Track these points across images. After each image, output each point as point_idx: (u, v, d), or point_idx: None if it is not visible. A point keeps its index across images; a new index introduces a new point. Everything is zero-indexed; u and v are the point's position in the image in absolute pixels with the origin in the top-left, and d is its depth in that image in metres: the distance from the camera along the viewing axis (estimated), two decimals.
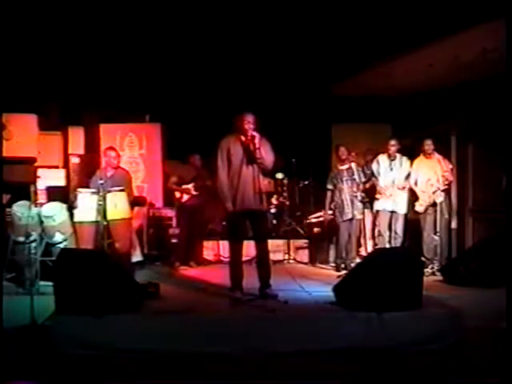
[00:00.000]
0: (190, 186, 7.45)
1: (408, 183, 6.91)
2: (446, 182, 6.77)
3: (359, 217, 6.89)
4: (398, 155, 6.99)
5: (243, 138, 5.12)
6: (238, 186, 5.12)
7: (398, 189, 6.89)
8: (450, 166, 6.92)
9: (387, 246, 6.85)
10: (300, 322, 4.47)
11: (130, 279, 4.95)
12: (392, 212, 6.98)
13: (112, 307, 4.38)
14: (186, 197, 7.49)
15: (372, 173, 7.03)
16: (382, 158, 7.05)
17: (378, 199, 7.01)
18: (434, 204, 6.73)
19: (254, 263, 5.57)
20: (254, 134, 5.02)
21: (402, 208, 6.97)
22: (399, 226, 6.95)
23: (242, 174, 5.11)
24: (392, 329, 4.35)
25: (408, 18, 6.06)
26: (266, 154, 5.10)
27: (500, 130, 6.03)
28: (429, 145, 6.81)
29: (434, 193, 6.72)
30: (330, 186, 7.13)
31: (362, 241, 7.20)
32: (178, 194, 7.55)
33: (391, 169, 6.97)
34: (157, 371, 4.02)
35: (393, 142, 6.97)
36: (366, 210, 7.13)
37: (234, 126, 5.21)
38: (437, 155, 6.85)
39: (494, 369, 3.85)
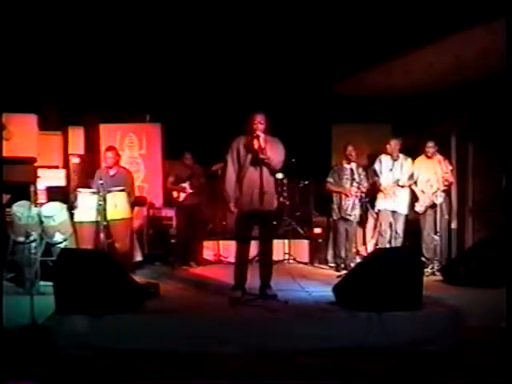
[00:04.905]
0: (186, 184, 7.47)
1: (410, 182, 6.92)
2: (446, 183, 6.77)
3: (358, 216, 6.91)
4: (400, 155, 7.01)
5: (249, 138, 5.05)
6: (245, 186, 5.08)
7: (399, 186, 6.90)
8: (450, 168, 6.92)
9: (387, 245, 6.86)
10: (300, 322, 4.47)
11: (130, 279, 4.95)
12: (393, 212, 6.99)
13: (112, 307, 4.38)
14: (182, 196, 7.49)
15: (375, 172, 7.04)
16: (385, 158, 7.07)
17: (379, 198, 7.02)
18: (434, 205, 6.74)
19: (255, 262, 5.57)
20: (259, 133, 4.97)
21: (403, 208, 6.97)
22: (400, 226, 6.96)
23: (250, 175, 5.06)
24: (392, 329, 4.34)
25: (408, 17, 6.05)
26: (274, 155, 5.03)
27: (500, 129, 6.03)
28: (430, 147, 6.81)
29: (433, 194, 6.72)
30: (330, 179, 7.12)
31: (362, 241, 7.20)
32: (175, 194, 7.56)
33: (393, 169, 6.98)
34: (157, 371, 4.01)
35: (394, 142, 7.00)
36: (367, 210, 7.14)
37: (245, 126, 5.14)
38: (438, 156, 6.85)
39: (493, 369, 3.85)
